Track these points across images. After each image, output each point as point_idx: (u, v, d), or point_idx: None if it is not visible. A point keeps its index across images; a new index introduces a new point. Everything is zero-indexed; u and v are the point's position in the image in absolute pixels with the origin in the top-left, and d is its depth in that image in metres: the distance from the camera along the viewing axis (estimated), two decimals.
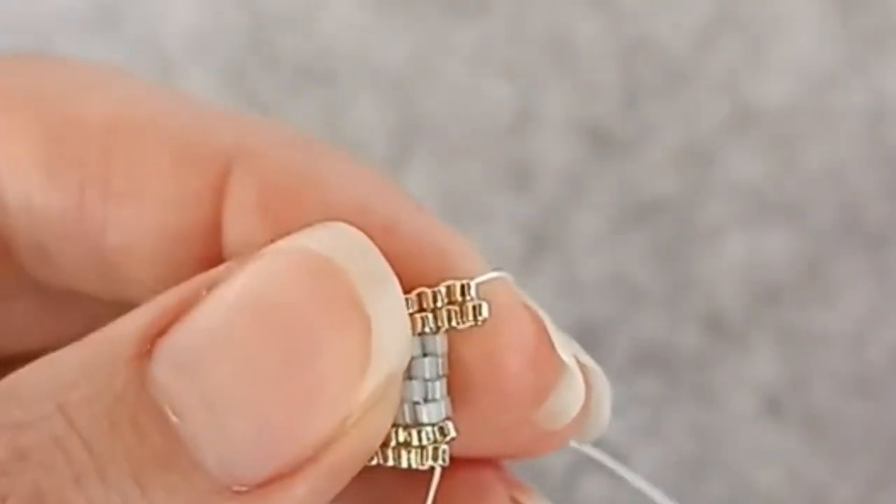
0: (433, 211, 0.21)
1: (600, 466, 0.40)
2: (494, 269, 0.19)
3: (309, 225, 0.17)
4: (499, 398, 0.18)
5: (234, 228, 0.20)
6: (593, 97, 0.41)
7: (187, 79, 0.41)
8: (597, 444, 0.40)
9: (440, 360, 0.18)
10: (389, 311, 0.17)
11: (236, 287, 0.17)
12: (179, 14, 0.41)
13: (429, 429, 0.18)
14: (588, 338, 0.40)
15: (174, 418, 0.16)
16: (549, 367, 0.19)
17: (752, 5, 0.42)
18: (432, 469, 0.18)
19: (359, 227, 0.17)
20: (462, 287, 0.18)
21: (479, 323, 0.18)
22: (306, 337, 0.16)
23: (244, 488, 0.16)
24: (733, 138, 0.41)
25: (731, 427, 0.40)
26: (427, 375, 0.18)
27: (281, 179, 0.20)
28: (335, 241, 0.17)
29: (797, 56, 0.42)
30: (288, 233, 0.17)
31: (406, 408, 0.18)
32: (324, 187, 0.20)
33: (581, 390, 0.19)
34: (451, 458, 0.19)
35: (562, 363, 0.19)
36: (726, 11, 0.42)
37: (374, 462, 0.18)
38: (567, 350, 0.19)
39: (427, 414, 0.18)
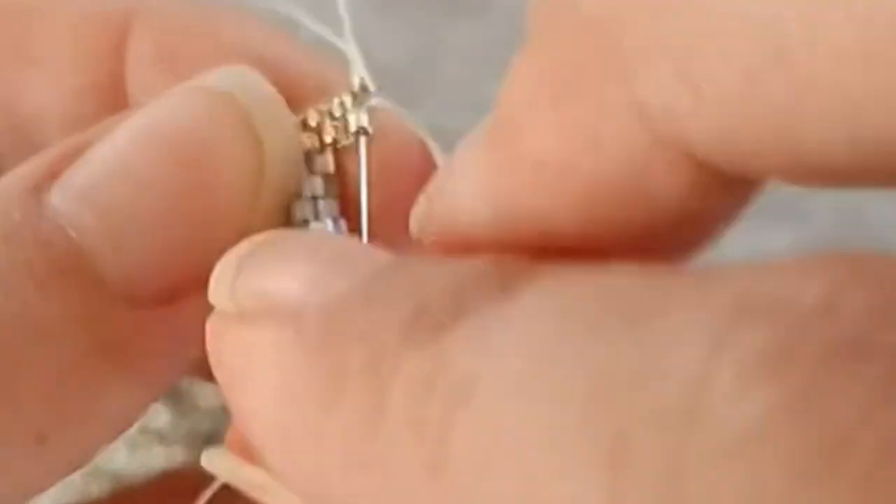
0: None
1: None
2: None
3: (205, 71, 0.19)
4: (389, 213, 0.19)
5: (136, 82, 0.21)
6: None
7: None
8: None
9: (329, 179, 0.19)
10: (280, 133, 0.18)
11: (132, 122, 0.18)
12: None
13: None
14: None
15: (74, 234, 0.17)
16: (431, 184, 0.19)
17: None
18: None
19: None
20: (342, 102, 0.19)
21: (362, 137, 0.19)
22: (202, 159, 0.17)
23: (144, 301, 0.17)
24: None
25: None
26: (315, 192, 0.19)
27: (176, 31, 0.21)
28: (228, 76, 0.18)
29: None
30: (185, 80, 0.18)
31: (298, 228, 0.19)
32: (217, 36, 0.21)
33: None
34: None
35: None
36: None
37: None
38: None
39: (316, 228, 0.19)
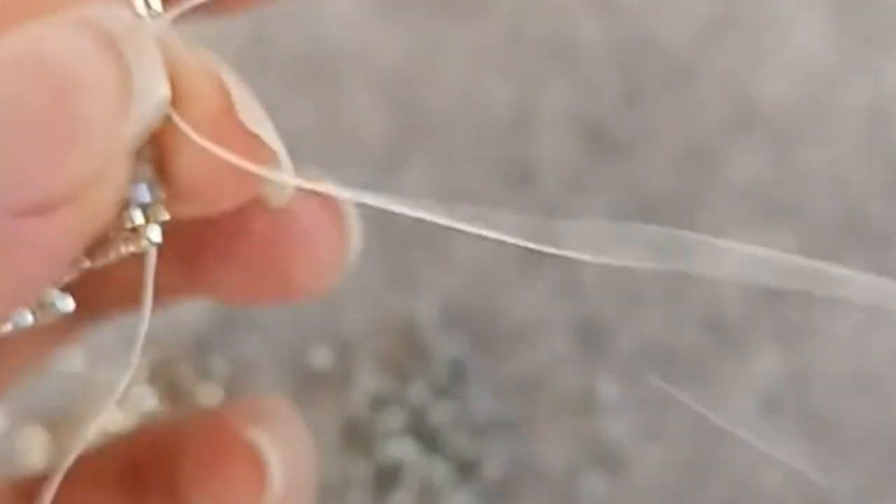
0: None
1: (600, 466, 0.40)
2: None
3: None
4: (202, 189, 0.19)
5: None
6: (593, 97, 0.41)
7: None
8: (598, 442, 0.40)
9: (143, 146, 0.19)
10: (148, 64, 0.18)
11: None
12: None
13: (138, 211, 0.19)
14: (588, 338, 0.40)
15: None
16: (233, 132, 0.19)
17: (752, 5, 0.42)
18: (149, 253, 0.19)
19: None
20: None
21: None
22: (67, 79, 0.17)
23: (7, 212, 0.17)
24: (733, 138, 0.41)
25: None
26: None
27: None
28: (94, 9, 0.19)
29: (797, 56, 0.42)
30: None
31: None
32: None
33: (287, 167, 0.20)
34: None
35: (248, 131, 0.20)
36: (726, 11, 0.42)
37: (100, 262, 0.19)
38: (260, 122, 0.20)
39: (136, 194, 0.19)
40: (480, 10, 0.42)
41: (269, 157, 0.19)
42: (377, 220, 0.42)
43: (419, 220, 0.23)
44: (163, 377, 0.40)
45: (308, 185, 0.20)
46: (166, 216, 0.19)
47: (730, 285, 0.40)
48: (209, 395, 0.40)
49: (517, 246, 0.37)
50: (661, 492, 0.39)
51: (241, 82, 0.20)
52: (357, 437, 0.39)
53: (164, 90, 0.19)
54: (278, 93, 0.41)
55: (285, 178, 0.20)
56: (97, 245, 0.19)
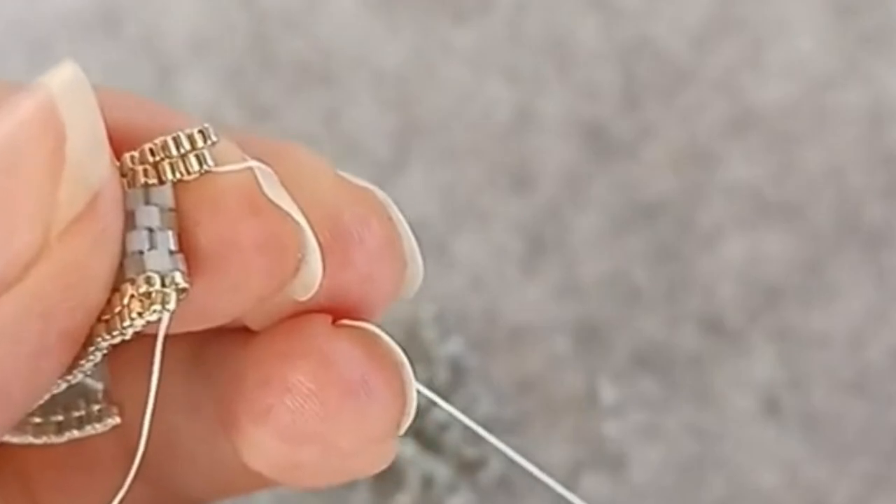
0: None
1: (600, 466, 0.40)
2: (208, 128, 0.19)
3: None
4: (226, 250, 0.18)
5: None
6: (593, 98, 0.41)
7: (187, 79, 0.41)
8: (598, 442, 0.40)
9: (167, 212, 0.18)
10: (84, 117, 0.17)
11: None
12: (180, 15, 0.41)
13: (154, 275, 0.18)
14: (588, 338, 0.40)
15: None
16: (272, 218, 0.18)
17: (751, 6, 0.42)
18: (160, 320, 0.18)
19: None
20: (188, 137, 0.18)
21: (203, 172, 0.18)
22: (5, 152, 0.17)
23: None
24: (732, 139, 0.41)
25: (731, 427, 0.40)
26: (151, 224, 0.18)
27: None
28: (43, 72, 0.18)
29: (796, 56, 0.42)
30: None
31: (131, 261, 0.18)
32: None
33: (316, 254, 0.19)
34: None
35: (286, 219, 0.19)
36: (726, 12, 0.42)
37: (116, 336, 0.18)
38: (292, 208, 0.19)
39: (152, 261, 0.18)
40: (480, 10, 0.42)
41: (295, 240, 0.19)
42: None
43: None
44: None
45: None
46: (184, 283, 0.18)
47: (729, 285, 0.40)
48: None
49: (517, 246, 0.37)
50: (661, 492, 0.39)
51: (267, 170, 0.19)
52: None
53: (104, 147, 0.18)
54: (278, 93, 0.41)
55: (316, 266, 0.19)
56: (114, 318, 0.19)
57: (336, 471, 0.20)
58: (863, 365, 0.40)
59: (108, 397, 0.20)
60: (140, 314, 0.18)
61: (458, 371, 0.40)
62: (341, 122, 0.41)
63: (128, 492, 0.19)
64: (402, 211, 0.20)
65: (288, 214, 0.18)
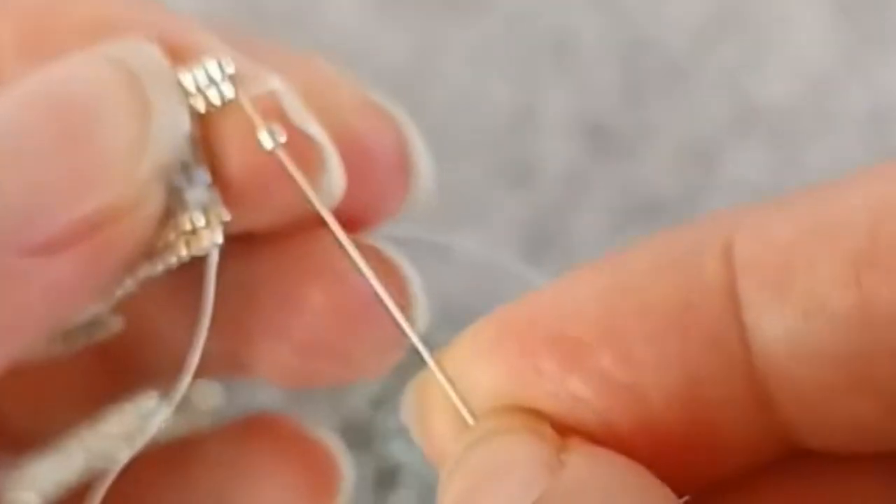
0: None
1: None
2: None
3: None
4: (255, 183, 0.19)
5: (7, 73, 0.20)
6: (594, 96, 0.41)
7: None
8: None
9: (197, 145, 0.19)
10: (170, 103, 0.18)
11: (25, 80, 0.18)
12: (178, 13, 0.41)
13: (198, 213, 0.19)
14: None
15: None
16: (294, 141, 0.19)
17: (752, 5, 0.42)
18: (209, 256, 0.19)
19: None
20: (206, 71, 0.19)
21: (224, 103, 0.19)
22: (88, 116, 0.17)
23: (19, 250, 0.17)
24: (734, 137, 0.41)
25: None
26: (185, 158, 0.19)
27: (35, 14, 0.20)
28: (121, 46, 0.18)
29: (798, 55, 0.42)
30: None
31: (172, 197, 0.19)
32: (77, 13, 0.20)
33: (336, 165, 0.19)
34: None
35: (308, 139, 0.19)
36: (726, 11, 0.42)
37: (160, 267, 0.19)
38: (312, 126, 0.19)
39: (193, 196, 0.19)
40: (480, 10, 0.42)
41: (316, 159, 0.19)
42: None
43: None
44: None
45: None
46: (227, 216, 0.19)
47: None
48: (209, 395, 0.40)
49: (517, 245, 0.37)
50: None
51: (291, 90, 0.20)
52: (357, 437, 0.39)
53: (185, 127, 0.18)
54: None
55: (336, 175, 0.19)
56: (156, 252, 0.19)
57: (344, 376, 0.21)
58: None
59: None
60: (188, 247, 0.18)
61: None
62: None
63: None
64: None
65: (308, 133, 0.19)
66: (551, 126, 0.41)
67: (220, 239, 0.19)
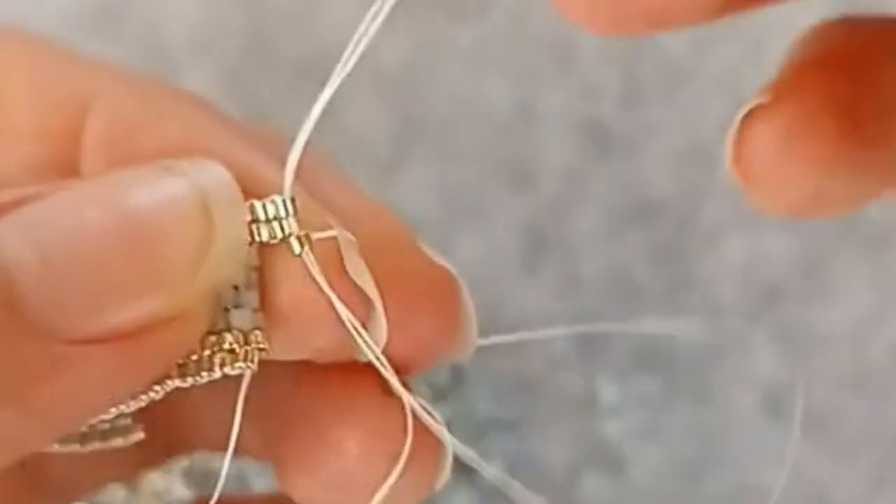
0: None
1: (600, 466, 0.40)
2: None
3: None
4: (301, 317, 0.20)
5: (89, 163, 0.22)
6: (593, 97, 0.41)
7: (187, 78, 0.41)
8: (598, 442, 0.40)
9: (251, 271, 0.19)
10: (233, 222, 0.19)
11: (89, 182, 0.19)
12: (180, 14, 0.41)
13: (238, 333, 0.19)
14: (588, 337, 0.40)
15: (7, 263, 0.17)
16: (343, 289, 0.20)
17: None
18: (242, 375, 0.20)
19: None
20: (273, 204, 0.19)
21: (286, 237, 0.19)
22: (153, 224, 0.18)
23: (60, 343, 0.17)
24: None
25: (731, 427, 0.40)
26: (238, 282, 0.19)
27: (128, 120, 0.22)
28: (192, 163, 0.19)
29: None
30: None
31: (217, 315, 0.19)
32: (166, 128, 0.21)
33: (382, 321, 0.20)
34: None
35: (357, 289, 0.20)
36: None
37: (189, 382, 0.19)
38: (365, 280, 0.20)
39: (238, 319, 0.19)
40: (480, 10, 0.42)
41: (366, 313, 0.20)
42: None
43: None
44: None
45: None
46: (266, 344, 0.19)
47: (730, 284, 0.40)
48: None
49: (517, 245, 0.37)
50: (661, 491, 0.39)
51: (353, 244, 0.21)
52: None
53: (244, 249, 0.19)
54: (278, 93, 0.41)
55: (381, 331, 0.20)
56: (191, 365, 0.19)
57: None
58: (864, 364, 0.40)
59: (134, 412, 0.20)
60: (221, 367, 0.19)
61: (457, 371, 0.40)
62: (341, 122, 0.41)
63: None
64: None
65: (358, 286, 0.20)
66: (551, 126, 0.41)
67: (255, 365, 0.19)
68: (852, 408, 0.40)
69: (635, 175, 0.41)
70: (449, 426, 0.41)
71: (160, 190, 0.18)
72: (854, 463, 0.39)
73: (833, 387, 0.40)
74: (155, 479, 0.36)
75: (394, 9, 0.22)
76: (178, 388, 0.19)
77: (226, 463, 0.20)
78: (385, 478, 0.21)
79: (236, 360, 0.19)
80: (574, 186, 0.41)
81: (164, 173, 0.19)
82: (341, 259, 0.20)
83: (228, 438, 0.22)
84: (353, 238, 0.20)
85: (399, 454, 0.21)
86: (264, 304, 0.19)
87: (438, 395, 0.39)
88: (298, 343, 0.20)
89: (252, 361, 0.19)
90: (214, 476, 0.23)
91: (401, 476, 0.21)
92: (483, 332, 0.43)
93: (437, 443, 0.22)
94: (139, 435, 0.21)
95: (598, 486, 0.39)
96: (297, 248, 0.19)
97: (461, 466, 0.40)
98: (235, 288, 0.19)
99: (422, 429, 0.22)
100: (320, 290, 0.19)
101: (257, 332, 0.19)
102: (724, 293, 0.40)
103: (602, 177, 0.41)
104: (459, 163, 0.41)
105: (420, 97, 0.41)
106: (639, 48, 0.42)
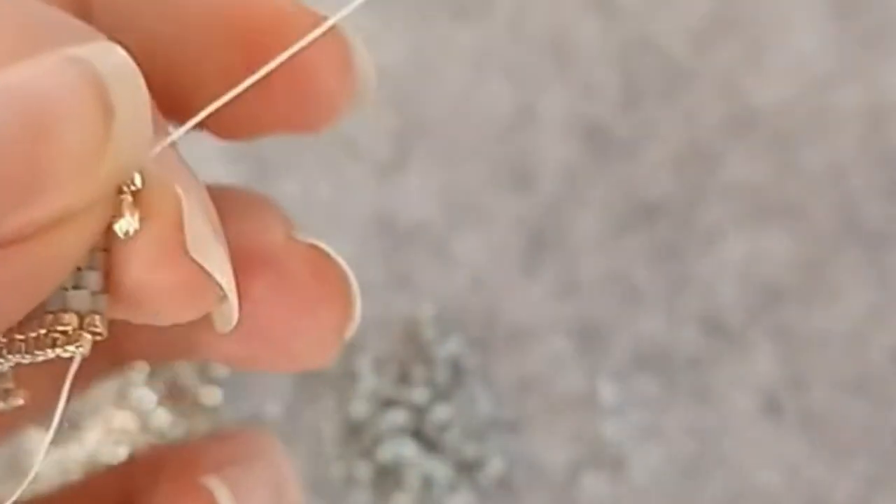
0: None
1: (600, 466, 0.40)
2: None
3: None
4: (145, 292, 0.19)
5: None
6: (593, 97, 0.41)
7: None
8: (598, 442, 0.40)
9: (97, 253, 0.19)
10: (135, 107, 0.18)
11: None
12: None
13: (73, 316, 0.18)
14: (588, 338, 0.40)
15: None
16: (187, 270, 0.19)
17: (751, 6, 0.42)
18: (72, 358, 0.19)
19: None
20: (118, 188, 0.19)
21: (130, 232, 0.19)
22: (43, 113, 0.17)
23: None
24: (732, 139, 0.41)
25: (731, 427, 0.40)
26: (80, 262, 0.18)
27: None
28: (94, 49, 0.18)
29: (796, 56, 0.42)
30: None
31: (55, 294, 0.19)
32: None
33: (233, 302, 0.20)
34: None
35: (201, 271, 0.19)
36: (726, 12, 0.42)
37: (26, 359, 0.19)
38: (210, 252, 0.19)
39: (75, 301, 0.18)
40: (480, 10, 0.42)
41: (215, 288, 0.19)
42: (378, 221, 0.42)
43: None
44: (162, 378, 0.40)
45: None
46: (100, 328, 0.18)
47: (729, 285, 0.40)
48: (209, 396, 0.40)
49: (517, 245, 0.37)
50: (661, 492, 0.39)
51: (208, 210, 0.20)
52: (357, 437, 0.39)
53: (148, 133, 0.18)
54: None
55: (232, 309, 0.20)
56: (29, 342, 0.19)
57: (286, 365, 0.22)
58: (863, 365, 0.40)
59: (17, 377, 0.20)
60: (54, 348, 0.18)
61: (457, 371, 0.40)
62: (341, 122, 0.41)
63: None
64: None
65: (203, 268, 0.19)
66: (551, 127, 0.41)
67: (86, 351, 0.18)
68: (852, 408, 0.40)
69: (635, 175, 0.41)
70: (449, 426, 0.41)
71: (51, 78, 0.17)
72: (854, 463, 0.39)
73: (832, 387, 0.40)
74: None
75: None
76: (18, 364, 0.19)
77: (46, 442, 0.19)
78: (295, 328, 0.21)
79: (68, 343, 0.18)
80: (574, 187, 0.41)
81: (56, 60, 0.18)
82: (184, 237, 0.19)
83: (163, 349, 0.22)
84: (201, 216, 0.20)
85: (307, 299, 0.21)
86: (111, 287, 0.19)
87: (439, 395, 0.39)
88: (149, 321, 0.19)
89: (81, 346, 0.18)
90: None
91: (311, 318, 0.21)
92: (483, 334, 0.43)
93: (346, 285, 0.22)
94: (19, 401, 0.20)
95: (598, 485, 0.39)
96: (121, 232, 0.18)
97: (461, 466, 0.40)
98: (78, 269, 0.19)
99: (332, 273, 0.22)
100: (167, 271, 0.18)
101: (94, 315, 0.18)
102: (724, 293, 0.40)
103: (602, 177, 0.41)
104: (459, 163, 0.41)
105: (420, 97, 0.41)
106: (639, 48, 0.42)
